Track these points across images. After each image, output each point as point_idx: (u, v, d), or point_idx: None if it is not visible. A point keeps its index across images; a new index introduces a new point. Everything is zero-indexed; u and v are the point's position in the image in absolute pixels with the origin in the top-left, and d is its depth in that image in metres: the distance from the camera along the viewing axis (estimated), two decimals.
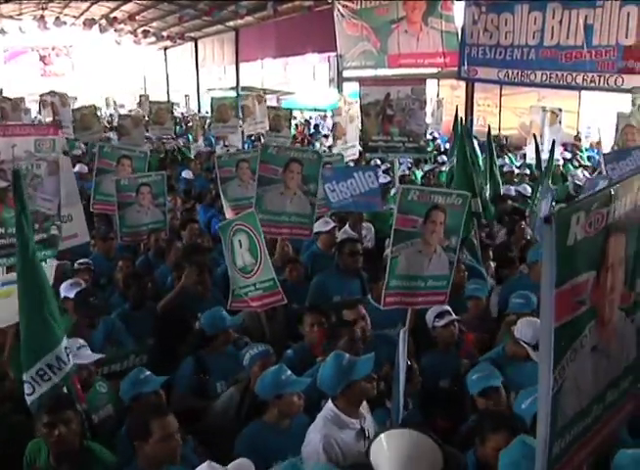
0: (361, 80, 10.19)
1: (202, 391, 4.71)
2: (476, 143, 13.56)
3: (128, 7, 30.48)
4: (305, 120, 26.04)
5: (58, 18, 31.27)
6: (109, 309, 5.73)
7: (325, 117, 23.23)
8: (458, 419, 4.20)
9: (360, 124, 9.37)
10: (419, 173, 12.49)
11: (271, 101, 20.45)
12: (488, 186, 9.12)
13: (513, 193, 9.72)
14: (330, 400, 3.69)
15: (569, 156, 13.45)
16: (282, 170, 6.40)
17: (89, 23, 31.74)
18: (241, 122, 14.84)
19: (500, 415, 3.65)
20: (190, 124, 22.16)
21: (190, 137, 18.35)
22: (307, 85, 28.17)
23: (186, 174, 12.07)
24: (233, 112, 14.71)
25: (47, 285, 3.96)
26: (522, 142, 15.49)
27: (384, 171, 10.96)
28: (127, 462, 3.52)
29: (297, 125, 23.09)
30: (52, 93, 17.07)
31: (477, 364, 4.40)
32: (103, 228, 7.81)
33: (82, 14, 32.19)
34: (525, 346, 4.39)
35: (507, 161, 13.04)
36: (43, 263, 4.51)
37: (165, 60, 43.25)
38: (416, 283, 4.44)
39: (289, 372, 3.85)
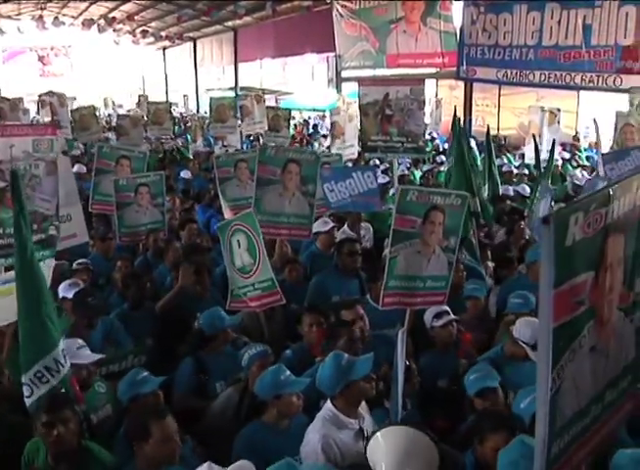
0: (360, 80, 10.21)
1: (201, 391, 4.71)
2: (474, 143, 13.63)
3: (127, 7, 30.49)
4: (304, 120, 26.05)
5: (56, 18, 31.26)
6: (107, 310, 5.72)
7: (324, 117, 23.23)
8: (456, 419, 4.20)
9: (359, 124, 9.38)
10: (418, 173, 12.49)
11: (270, 101, 20.44)
12: (487, 186, 9.13)
13: (511, 193, 9.73)
14: (329, 401, 3.69)
15: (567, 156, 13.45)
16: (280, 171, 6.39)
17: (88, 23, 31.73)
18: (239, 122, 14.84)
19: (499, 415, 3.66)
20: (189, 125, 22.16)
21: (188, 137, 18.36)
22: (306, 85, 28.18)
23: (185, 174, 12.08)
24: (231, 112, 14.70)
25: (45, 286, 3.95)
26: (520, 142, 15.49)
27: (382, 171, 10.96)
28: (125, 463, 3.52)
29: (295, 125, 23.09)
30: (50, 93, 17.07)
31: (475, 364, 4.41)
32: (101, 228, 7.80)
33: (81, 14, 32.18)
34: (524, 346, 4.40)
35: (505, 161, 13.03)
36: (41, 263, 4.49)
37: (164, 60, 43.26)
38: (415, 283, 4.43)
39: (288, 372, 3.85)
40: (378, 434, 2.47)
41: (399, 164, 10.51)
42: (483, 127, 14.36)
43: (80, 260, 6.46)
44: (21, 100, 17.68)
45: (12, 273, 3.99)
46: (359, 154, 12.00)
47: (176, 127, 21.75)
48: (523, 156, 13.41)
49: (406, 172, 11.58)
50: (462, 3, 18.46)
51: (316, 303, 5.49)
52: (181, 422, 3.60)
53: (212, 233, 7.45)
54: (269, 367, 4.00)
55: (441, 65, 20.22)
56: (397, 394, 3.95)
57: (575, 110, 17.02)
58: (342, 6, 23.42)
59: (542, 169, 9.32)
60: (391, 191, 9.07)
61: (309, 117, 26.62)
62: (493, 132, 13.67)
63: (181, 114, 30.53)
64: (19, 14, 31.46)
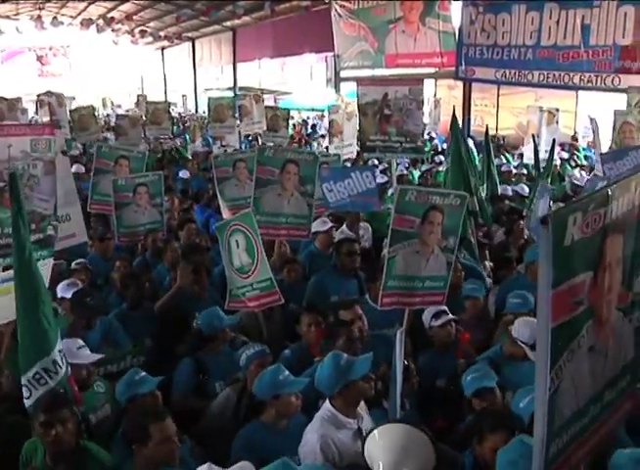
0: (359, 80, 10.19)
1: (201, 391, 4.71)
2: (472, 143, 13.63)
3: (126, 7, 30.48)
4: (303, 120, 26.05)
5: (55, 18, 31.26)
6: (106, 310, 5.72)
7: (322, 117, 23.24)
8: (455, 419, 4.20)
9: (358, 124, 9.37)
10: (416, 173, 12.50)
11: (268, 101, 20.44)
12: (485, 186, 9.13)
13: (510, 193, 9.73)
14: (327, 400, 3.68)
15: (566, 156, 13.46)
16: (279, 172, 6.39)
17: (86, 22, 31.72)
18: (238, 122, 14.83)
19: (498, 415, 3.65)
20: (187, 124, 22.16)
21: (187, 137, 18.35)
22: (305, 85, 28.17)
23: (183, 174, 12.07)
24: (230, 112, 14.70)
25: (43, 286, 3.95)
26: (519, 142, 15.49)
27: (381, 171, 10.96)
28: (124, 463, 3.52)
29: (294, 125, 23.09)
30: (49, 93, 17.07)
31: (474, 364, 4.41)
32: (100, 228, 7.79)
33: (79, 14, 32.16)
34: (523, 345, 4.39)
35: (504, 160, 13.04)
36: (39, 263, 4.49)
37: (163, 60, 43.23)
38: (413, 283, 4.42)
39: (286, 372, 3.85)
40: (375, 431, 2.48)
41: (398, 163, 10.51)
42: (482, 127, 14.35)
43: (79, 260, 6.45)
44: (19, 100, 17.67)
45: (10, 272, 3.98)
46: (358, 154, 12.01)
47: (175, 127, 21.74)
48: (521, 156, 13.42)
49: (405, 172, 11.58)
50: (461, 3, 18.49)
51: (315, 302, 5.49)
52: (180, 422, 3.59)
53: (211, 233, 7.44)
54: (268, 367, 3.99)
55: (440, 65, 20.24)
56: (396, 393, 3.95)
57: (574, 110, 17.04)
58: (340, 6, 23.43)
59: (541, 169, 9.33)
60: (390, 191, 9.07)
61: (308, 117, 26.62)
62: (492, 132, 13.71)
63: (180, 114, 30.53)
64: (17, 14, 31.44)
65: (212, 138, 16.09)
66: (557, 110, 12.46)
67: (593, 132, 10.51)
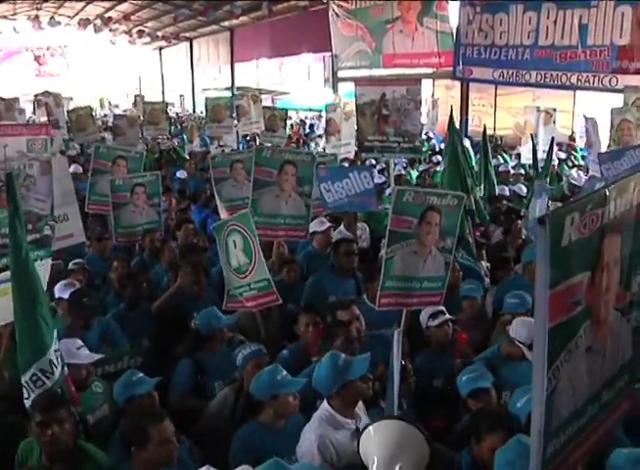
0: (357, 80, 10.19)
1: (200, 391, 4.71)
2: (468, 143, 13.64)
3: (123, 7, 30.45)
4: (301, 120, 26.05)
5: (52, 18, 31.21)
6: (103, 310, 5.71)
7: (320, 117, 23.25)
8: (452, 419, 4.20)
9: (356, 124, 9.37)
10: (414, 173, 12.50)
11: (266, 101, 20.46)
12: (483, 186, 9.13)
13: (507, 193, 9.73)
14: (325, 401, 3.68)
15: (563, 156, 13.48)
16: (277, 173, 6.39)
17: (84, 22, 31.70)
18: (236, 122, 14.83)
19: (496, 415, 3.65)
20: (185, 125, 22.15)
21: (185, 137, 18.35)
22: (302, 85, 28.17)
23: (181, 174, 12.07)
24: (227, 112, 14.70)
25: (41, 286, 3.94)
26: (516, 142, 15.52)
27: (379, 171, 10.97)
28: (121, 464, 3.51)
29: (292, 126, 23.10)
30: (46, 93, 17.03)
31: (471, 364, 4.41)
32: (98, 229, 7.78)
33: (77, 14, 32.15)
34: (521, 345, 4.39)
35: (501, 161, 13.05)
36: (37, 263, 4.48)
37: (160, 60, 43.22)
38: (411, 284, 4.42)
39: (284, 372, 3.85)
40: (370, 428, 2.48)
41: (396, 163, 10.51)
42: (480, 127, 14.38)
43: (76, 261, 6.43)
44: (16, 100, 17.65)
45: (8, 273, 3.97)
46: (356, 154, 12.01)
47: (172, 127, 21.74)
48: (518, 156, 13.44)
49: (403, 172, 11.59)
50: (458, 3, 18.51)
51: (313, 303, 5.49)
52: (178, 423, 3.59)
53: (209, 233, 7.44)
54: (265, 367, 3.99)
55: (438, 65, 20.25)
56: (393, 393, 3.94)
57: (572, 110, 17.05)
58: (338, 6, 23.44)
59: (539, 169, 9.34)
60: (388, 191, 9.07)
61: (306, 118, 26.62)
62: (490, 132, 13.70)
63: (177, 114, 30.53)
64: (14, 14, 31.40)
65: (210, 138, 16.09)
66: (554, 110, 12.47)
67: (587, 132, 10.52)
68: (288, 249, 6.71)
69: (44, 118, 16.03)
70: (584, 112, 11.98)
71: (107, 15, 31.37)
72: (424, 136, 14.76)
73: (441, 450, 3.49)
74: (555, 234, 2.00)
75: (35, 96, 18.11)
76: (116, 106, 33.38)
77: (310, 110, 26.51)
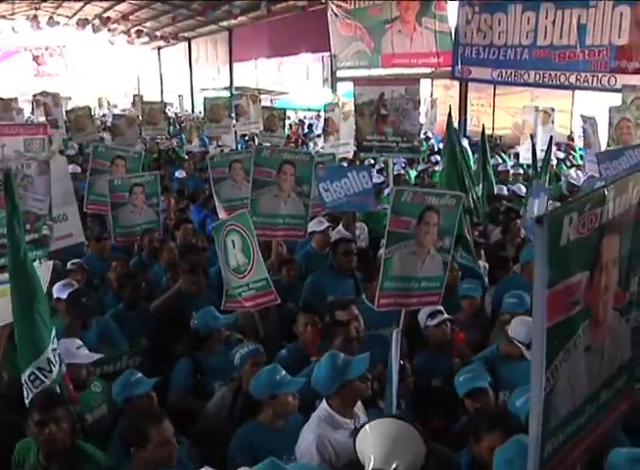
0: (355, 80, 10.19)
1: (200, 391, 4.70)
2: (467, 142, 13.64)
3: (122, 7, 30.43)
4: (299, 120, 26.05)
5: (51, 17, 31.19)
6: (102, 310, 5.71)
7: (319, 116, 23.24)
8: (451, 418, 4.20)
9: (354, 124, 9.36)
10: (413, 173, 12.50)
11: (265, 101, 20.44)
12: (481, 186, 9.13)
13: (506, 193, 9.73)
14: (324, 400, 3.68)
15: (562, 155, 13.48)
16: (275, 173, 6.39)
17: (82, 22, 31.68)
18: (234, 122, 14.82)
19: (495, 414, 3.66)
20: (183, 125, 22.14)
21: (183, 137, 18.34)
22: (301, 85, 28.17)
23: (179, 174, 12.06)
24: (226, 112, 14.69)
25: (39, 286, 3.93)
26: (515, 142, 15.52)
27: (377, 171, 10.97)
28: (120, 464, 3.51)
29: (290, 125, 23.09)
30: (45, 93, 17.02)
31: (470, 363, 4.41)
32: (96, 229, 7.78)
33: (75, 14, 32.11)
34: (519, 345, 4.39)
35: (500, 160, 13.05)
36: (36, 263, 4.48)
37: (159, 60, 43.20)
38: (410, 284, 4.42)
39: (283, 372, 3.85)
40: (366, 426, 2.49)
41: (394, 163, 10.51)
42: (478, 127, 14.39)
43: (75, 261, 6.43)
44: (15, 100, 17.64)
45: (6, 276, 3.96)
46: (355, 153, 12.00)
47: (171, 127, 21.73)
48: (517, 155, 13.43)
49: (401, 172, 11.59)
50: (457, 3, 18.51)
51: (311, 302, 5.49)
52: (177, 423, 3.59)
53: (207, 233, 7.44)
54: (264, 367, 3.99)
55: (436, 64, 20.25)
56: (392, 393, 3.94)
57: (570, 109, 17.05)
58: (336, 6, 23.44)
59: (538, 169, 9.33)
60: (386, 191, 9.06)
61: (304, 117, 26.62)
62: (488, 132, 13.69)
63: (176, 114, 30.50)
64: (13, 13, 31.37)
65: (208, 138, 16.08)
66: (552, 109, 12.47)
67: (584, 131, 10.52)
68: (287, 248, 6.71)
69: (43, 118, 16.01)
70: (583, 111, 11.97)
71: (105, 15, 31.34)
72: (422, 136, 14.77)
73: (440, 450, 3.49)
74: (553, 234, 2.00)
75: (34, 96, 18.11)
76: (115, 106, 33.33)
77: (309, 110, 26.52)
